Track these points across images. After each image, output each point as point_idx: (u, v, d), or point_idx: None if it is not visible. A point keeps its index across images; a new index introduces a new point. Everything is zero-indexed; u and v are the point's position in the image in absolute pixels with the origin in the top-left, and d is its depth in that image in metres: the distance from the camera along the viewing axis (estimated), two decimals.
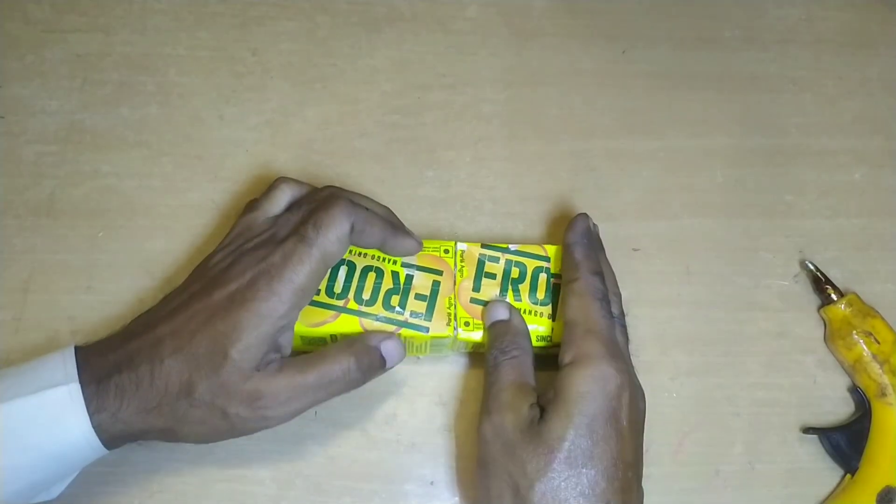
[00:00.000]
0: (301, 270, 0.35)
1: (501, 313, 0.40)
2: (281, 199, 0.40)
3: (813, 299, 0.46)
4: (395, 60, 0.50)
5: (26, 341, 0.42)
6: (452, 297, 0.41)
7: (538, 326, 0.41)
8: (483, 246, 0.42)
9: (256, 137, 0.48)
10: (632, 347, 0.44)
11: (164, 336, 0.35)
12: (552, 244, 0.43)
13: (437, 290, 0.41)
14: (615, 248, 0.46)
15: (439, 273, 0.41)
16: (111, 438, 0.35)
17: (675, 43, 0.52)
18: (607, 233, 0.44)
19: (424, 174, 0.48)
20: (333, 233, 0.36)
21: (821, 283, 0.45)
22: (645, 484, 0.41)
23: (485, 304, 0.41)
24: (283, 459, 0.41)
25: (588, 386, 0.35)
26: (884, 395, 0.42)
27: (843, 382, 0.44)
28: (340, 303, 0.40)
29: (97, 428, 0.34)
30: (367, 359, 0.37)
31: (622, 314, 0.40)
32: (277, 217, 0.39)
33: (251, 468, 0.40)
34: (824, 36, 0.53)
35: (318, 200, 0.38)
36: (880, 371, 0.42)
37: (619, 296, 0.41)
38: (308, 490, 0.40)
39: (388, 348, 0.38)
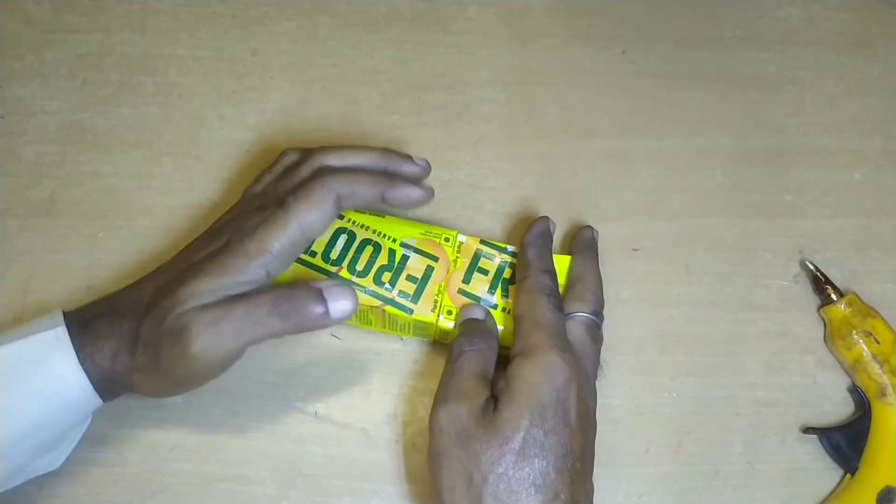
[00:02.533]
0: (274, 234, 0.35)
1: (477, 313, 0.40)
2: (280, 172, 0.40)
3: (813, 299, 0.46)
4: (395, 60, 0.50)
5: None
6: (443, 284, 0.41)
7: None
8: (482, 242, 0.42)
9: (256, 137, 0.48)
10: (632, 347, 0.44)
11: (146, 292, 0.36)
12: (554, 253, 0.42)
13: (429, 276, 0.41)
14: (615, 248, 0.46)
15: (435, 259, 0.41)
16: (101, 381, 0.35)
17: (675, 43, 0.52)
18: (607, 233, 0.44)
19: None
20: (314, 203, 0.36)
21: (821, 283, 0.45)
22: (644, 484, 0.41)
23: (471, 297, 0.41)
24: (283, 459, 0.41)
25: (536, 376, 0.35)
26: (884, 395, 0.42)
27: (843, 382, 0.44)
28: (334, 269, 0.41)
29: (84, 364, 0.34)
30: (303, 293, 0.34)
31: (599, 315, 0.40)
32: (269, 185, 0.40)
33: (251, 468, 0.40)
34: (824, 36, 0.53)
35: (305, 169, 0.39)
36: (880, 371, 0.42)
37: (599, 297, 0.40)
38: (308, 490, 0.40)
39: (334, 293, 0.34)
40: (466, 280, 0.41)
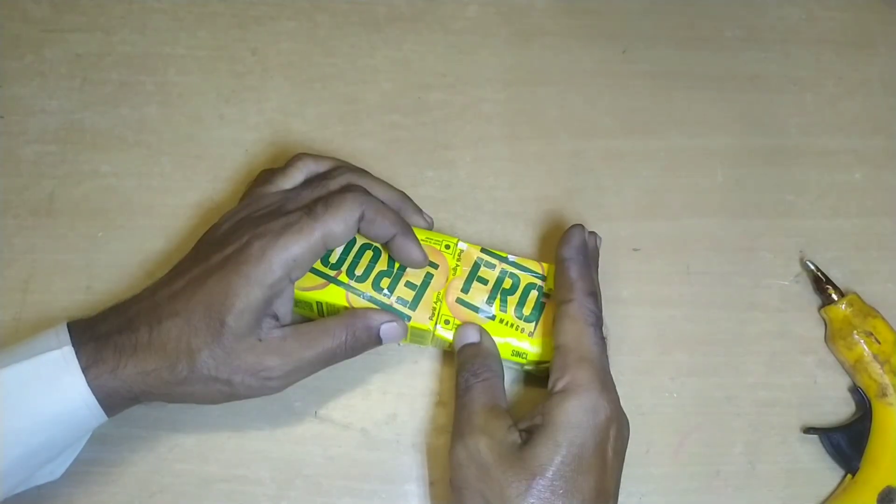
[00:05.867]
0: (298, 241, 0.35)
1: (471, 336, 0.40)
2: (297, 176, 0.40)
3: (813, 299, 0.46)
4: (395, 60, 0.50)
5: None
6: (441, 292, 0.41)
7: (517, 341, 0.40)
8: (482, 250, 0.42)
9: (256, 137, 0.48)
10: (632, 347, 0.44)
11: (163, 299, 0.36)
12: (550, 260, 0.42)
13: (429, 283, 0.41)
14: (615, 248, 0.46)
15: (435, 266, 0.41)
16: (109, 398, 0.35)
17: (676, 43, 0.52)
18: (607, 233, 0.44)
19: (424, 174, 0.48)
20: (341, 215, 0.36)
21: (821, 283, 0.45)
22: (645, 484, 0.41)
23: (469, 306, 0.41)
24: (283, 459, 0.41)
25: (579, 416, 0.34)
26: (884, 395, 0.42)
27: (843, 382, 0.44)
28: (333, 273, 0.40)
29: (92, 384, 0.34)
30: (364, 336, 0.38)
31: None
32: (289, 191, 0.39)
33: (251, 468, 0.40)
34: (824, 36, 0.53)
35: (334, 183, 0.39)
36: (881, 371, 0.42)
37: (601, 307, 0.40)
38: (308, 490, 0.40)
39: (388, 330, 0.39)
40: (465, 289, 0.41)
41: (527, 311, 0.41)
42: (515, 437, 0.35)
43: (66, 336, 0.35)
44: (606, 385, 0.36)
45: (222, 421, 0.41)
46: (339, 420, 0.42)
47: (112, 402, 0.35)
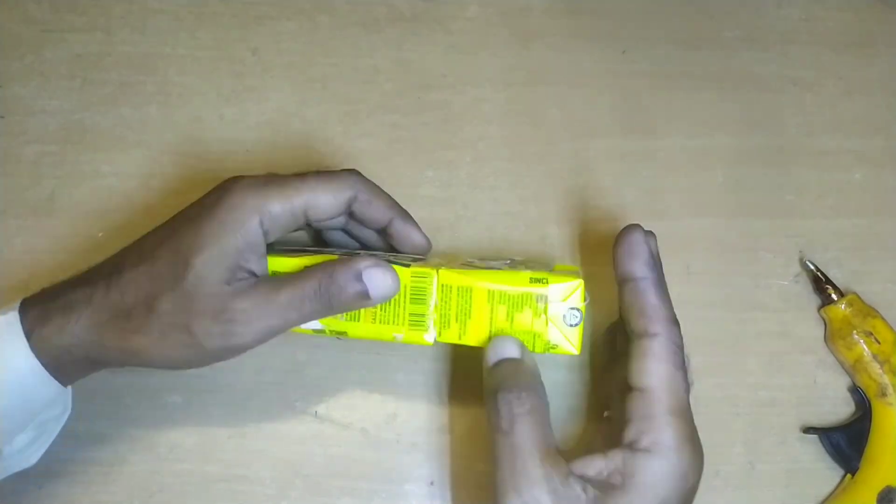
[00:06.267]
0: (279, 197, 0.33)
1: (511, 350, 0.34)
2: None
3: (813, 299, 0.46)
4: (395, 60, 0.50)
5: None
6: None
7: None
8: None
9: (257, 138, 0.48)
10: None
11: (127, 254, 0.34)
12: (555, 349, 0.35)
13: None
14: None
15: None
16: (58, 361, 0.33)
17: (675, 43, 0.52)
18: (607, 233, 0.44)
19: (424, 174, 0.48)
20: (332, 187, 0.35)
21: (821, 283, 0.45)
22: None
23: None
24: (283, 459, 0.41)
25: (668, 485, 0.30)
26: (884, 395, 0.42)
27: (843, 382, 0.44)
28: None
29: (37, 347, 0.32)
30: (345, 279, 0.33)
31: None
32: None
33: (251, 468, 0.40)
34: (824, 36, 0.53)
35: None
36: (880, 371, 0.42)
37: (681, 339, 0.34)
38: (308, 490, 0.40)
39: (373, 276, 0.33)
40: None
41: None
42: (579, 491, 0.30)
43: (14, 305, 0.33)
44: (696, 444, 0.31)
45: (222, 421, 0.41)
46: (339, 420, 0.42)
47: (62, 364, 0.33)
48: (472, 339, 0.35)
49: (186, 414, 0.41)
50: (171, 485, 0.40)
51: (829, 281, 0.44)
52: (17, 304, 0.34)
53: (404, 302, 0.35)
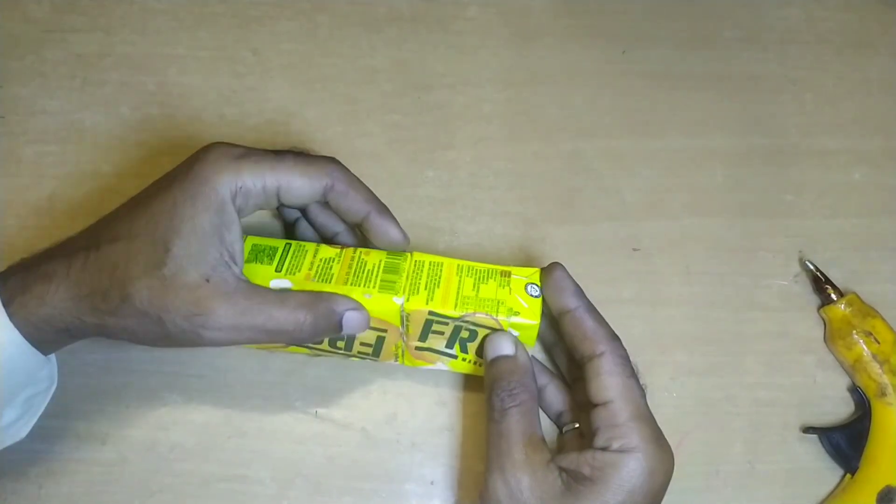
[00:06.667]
0: (252, 171, 0.33)
1: (506, 347, 0.37)
2: None
3: (813, 299, 0.46)
4: (395, 60, 0.50)
5: None
6: (399, 343, 0.39)
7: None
8: (430, 313, 0.37)
9: (257, 138, 0.48)
10: (632, 347, 0.44)
11: (104, 226, 0.34)
12: (519, 314, 0.37)
13: (383, 340, 0.39)
14: (615, 248, 0.46)
15: (384, 331, 0.38)
16: (40, 331, 0.33)
17: (675, 43, 0.52)
18: (607, 233, 0.44)
19: (424, 174, 0.48)
20: (309, 172, 0.34)
21: (821, 283, 0.45)
22: None
23: (431, 351, 0.39)
24: (283, 459, 0.41)
25: (635, 481, 0.33)
26: (884, 394, 0.42)
27: (843, 382, 0.44)
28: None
29: (15, 317, 0.32)
30: (324, 322, 0.35)
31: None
32: None
33: (251, 468, 0.40)
34: (824, 36, 0.53)
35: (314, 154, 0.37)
36: (880, 371, 0.42)
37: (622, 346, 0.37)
38: (308, 490, 0.40)
39: (351, 319, 0.35)
40: (423, 339, 0.38)
41: None
42: (556, 477, 0.34)
43: None
44: (661, 443, 0.34)
45: (222, 421, 0.41)
46: (339, 420, 0.42)
47: (44, 335, 0.33)
48: (439, 305, 0.37)
49: (186, 414, 0.41)
50: (171, 485, 0.40)
51: (828, 281, 0.44)
52: None
53: (377, 272, 0.38)
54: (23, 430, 0.36)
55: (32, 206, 0.45)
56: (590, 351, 0.36)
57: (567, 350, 0.38)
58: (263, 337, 0.34)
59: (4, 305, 0.32)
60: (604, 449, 0.34)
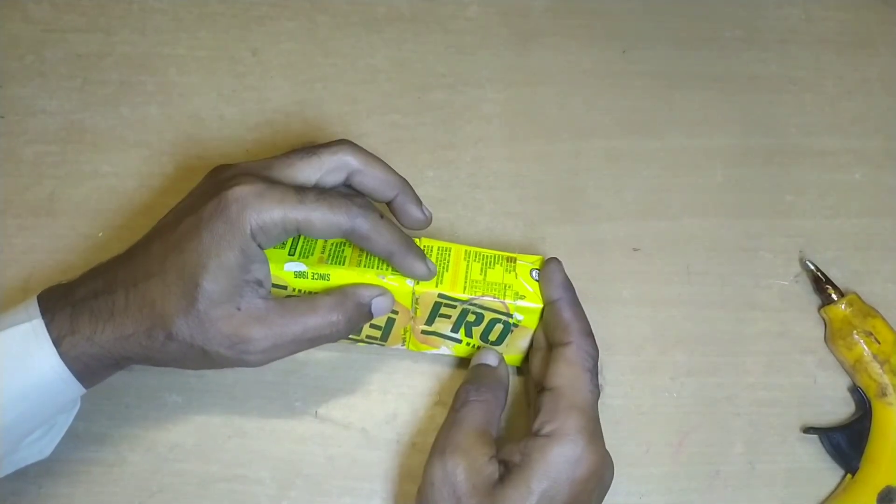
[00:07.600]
0: (272, 210, 0.33)
1: (490, 359, 0.40)
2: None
3: (813, 299, 0.46)
4: (395, 60, 0.50)
5: None
6: (408, 327, 0.40)
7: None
8: (440, 295, 0.38)
9: (257, 138, 0.48)
10: (632, 347, 0.44)
11: (139, 260, 0.34)
12: (524, 297, 0.38)
13: (393, 323, 0.39)
14: (615, 248, 0.46)
15: (395, 313, 0.39)
16: (88, 368, 0.34)
17: (675, 43, 0.52)
18: (607, 233, 0.44)
19: (424, 174, 0.48)
20: (330, 217, 0.34)
21: (821, 283, 0.45)
22: (645, 484, 0.41)
23: (437, 335, 0.40)
24: (283, 459, 0.41)
25: (559, 467, 0.33)
26: (884, 394, 0.42)
27: (843, 382, 0.44)
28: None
29: (67, 356, 0.33)
30: (356, 315, 0.36)
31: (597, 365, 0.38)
32: (276, 156, 0.37)
33: (251, 468, 0.40)
34: (824, 36, 0.53)
35: (326, 152, 0.37)
36: (881, 371, 0.42)
37: (597, 350, 0.38)
38: (308, 490, 0.40)
39: (378, 304, 0.37)
40: (430, 322, 0.40)
41: (493, 337, 0.40)
42: (494, 469, 0.34)
43: (35, 309, 0.34)
44: (594, 437, 0.35)
45: (222, 421, 0.41)
46: (339, 420, 0.42)
47: (91, 371, 0.34)
48: (448, 287, 0.38)
49: (186, 414, 0.41)
50: (171, 485, 0.40)
51: (829, 281, 0.44)
52: (35, 303, 0.34)
53: None
54: (47, 449, 0.37)
55: (33, 206, 0.45)
56: (560, 339, 0.37)
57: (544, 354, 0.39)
58: (305, 345, 0.36)
59: (55, 344, 0.33)
60: (536, 433, 0.35)
